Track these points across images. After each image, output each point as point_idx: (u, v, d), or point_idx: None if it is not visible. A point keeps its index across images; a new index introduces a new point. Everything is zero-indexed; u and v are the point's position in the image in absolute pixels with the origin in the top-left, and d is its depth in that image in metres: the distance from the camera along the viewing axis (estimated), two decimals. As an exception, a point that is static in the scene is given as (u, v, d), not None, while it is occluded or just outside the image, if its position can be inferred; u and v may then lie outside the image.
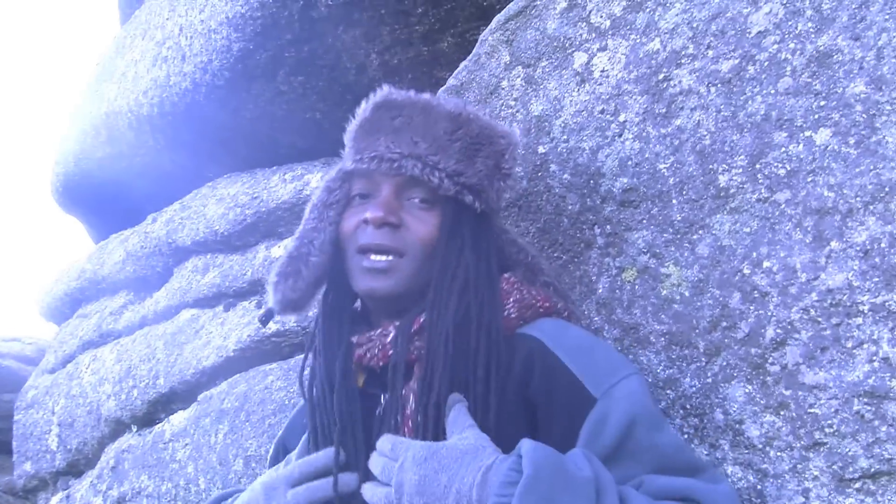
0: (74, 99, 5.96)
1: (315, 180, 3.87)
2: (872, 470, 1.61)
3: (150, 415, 4.36)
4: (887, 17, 1.66)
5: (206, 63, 4.05)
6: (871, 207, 1.65)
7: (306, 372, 1.92)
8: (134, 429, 4.49)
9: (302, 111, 4.15)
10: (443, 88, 2.64)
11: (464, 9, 3.39)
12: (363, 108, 1.92)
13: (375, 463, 1.56)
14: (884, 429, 1.60)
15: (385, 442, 1.57)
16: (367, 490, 1.56)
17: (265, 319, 2.01)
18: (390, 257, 1.75)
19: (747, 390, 1.81)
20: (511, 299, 1.79)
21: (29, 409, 5.74)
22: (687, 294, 1.94)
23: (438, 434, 1.61)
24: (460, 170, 1.79)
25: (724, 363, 1.86)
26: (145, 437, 4.24)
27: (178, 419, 4.01)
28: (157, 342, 4.42)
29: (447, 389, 1.64)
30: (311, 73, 3.89)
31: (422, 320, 1.75)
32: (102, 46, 5.96)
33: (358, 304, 2.00)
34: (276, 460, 2.04)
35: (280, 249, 3.82)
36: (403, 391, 1.73)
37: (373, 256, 1.76)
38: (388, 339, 1.77)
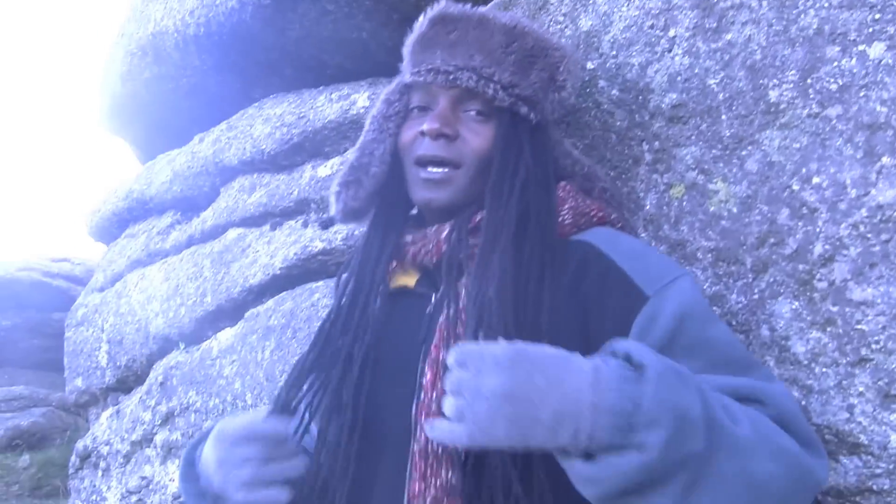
0: (120, 20, 5.94)
1: (362, 100, 3.85)
2: None
3: (198, 332, 4.40)
4: None
5: None
6: None
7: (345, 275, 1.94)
8: (182, 346, 4.53)
9: (348, 31, 4.10)
10: (491, 3, 2.60)
11: None
12: (420, 23, 1.94)
13: (447, 381, 1.40)
14: None
15: (454, 354, 1.39)
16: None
17: (326, 225, 2.04)
18: (446, 169, 1.78)
19: (794, 306, 1.80)
20: (566, 206, 1.81)
21: (79, 327, 5.80)
22: (735, 210, 1.92)
23: (491, 327, 1.58)
24: (515, 81, 1.80)
25: (772, 279, 1.85)
26: (193, 354, 4.29)
27: (226, 336, 4.05)
28: (205, 261, 4.45)
29: (503, 282, 1.63)
30: None
31: (478, 218, 1.77)
32: None
33: (415, 210, 2.03)
34: None
35: (327, 169, 3.83)
36: (458, 287, 1.73)
37: (430, 168, 1.79)
38: (444, 235, 1.79)
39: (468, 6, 1.92)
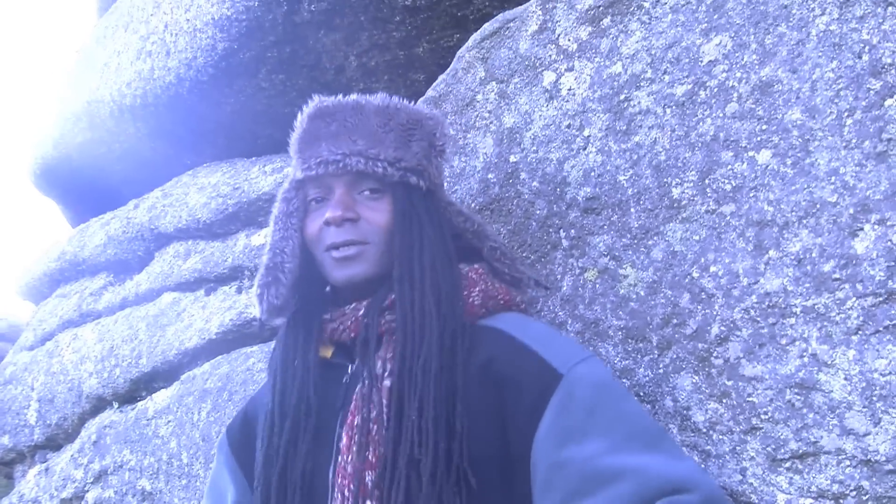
0: (54, 84, 6.00)
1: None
2: (800, 451, 1.76)
3: (132, 392, 4.44)
4: (820, 54, 1.82)
5: (191, 60, 4.14)
6: (805, 221, 1.80)
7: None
8: (115, 405, 4.55)
9: (281, 106, 4.23)
10: (421, 99, 2.76)
11: (439, 18, 3.50)
12: (300, 121, 2.04)
13: None
14: (811, 416, 1.75)
15: None
16: None
17: (261, 327, 2.19)
18: (356, 247, 1.88)
19: (694, 380, 1.96)
20: (477, 288, 1.91)
21: (7, 385, 5.78)
22: (642, 293, 2.09)
23: (423, 398, 1.71)
24: (399, 156, 1.93)
25: (674, 356, 2.01)
26: (127, 414, 4.31)
27: (161, 397, 4.08)
28: (140, 323, 4.49)
29: (428, 357, 1.75)
30: (291, 72, 4.00)
31: (392, 296, 1.87)
32: (82, 35, 6.02)
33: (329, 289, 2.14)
34: (242, 425, 2.17)
35: (260, 238, 3.92)
36: (374, 360, 1.83)
37: (340, 248, 1.89)
38: (361, 313, 1.90)
39: (340, 96, 2.03)
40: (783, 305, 1.83)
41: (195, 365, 4.02)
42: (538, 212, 2.37)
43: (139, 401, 4.37)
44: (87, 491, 4.41)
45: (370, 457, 1.73)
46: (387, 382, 1.80)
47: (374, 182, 1.93)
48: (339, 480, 1.74)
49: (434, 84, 2.76)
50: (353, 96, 2.03)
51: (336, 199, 1.92)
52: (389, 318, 1.87)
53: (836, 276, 1.76)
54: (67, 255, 5.62)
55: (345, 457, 1.76)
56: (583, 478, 1.56)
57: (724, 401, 1.91)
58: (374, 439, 1.74)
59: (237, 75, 4.09)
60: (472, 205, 2.53)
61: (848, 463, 1.71)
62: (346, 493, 1.73)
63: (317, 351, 1.99)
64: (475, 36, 2.65)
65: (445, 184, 2.25)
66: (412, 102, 2.08)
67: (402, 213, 1.92)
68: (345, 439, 1.78)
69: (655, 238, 2.09)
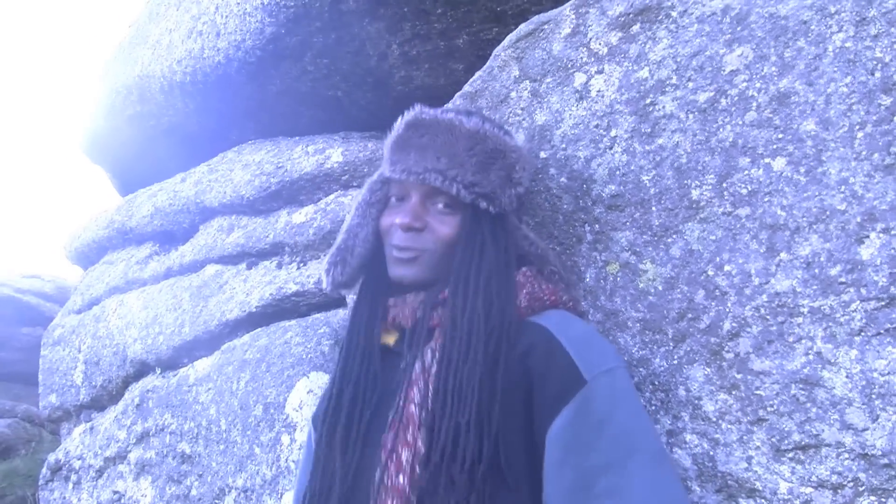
0: (106, 58, 6.05)
1: (336, 155, 4.04)
2: (803, 443, 1.85)
3: (175, 359, 4.52)
4: (836, 69, 1.90)
5: (240, 42, 4.21)
6: (815, 227, 1.88)
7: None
8: (158, 371, 4.65)
9: (325, 89, 4.33)
10: (458, 94, 2.83)
11: (479, 12, 3.56)
12: (397, 125, 2.16)
13: None
14: (814, 410, 1.84)
15: None
16: None
17: (325, 289, 2.33)
18: (416, 252, 2.01)
19: (706, 372, 2.06)
20: (524, 291, 2.01)
21: (55, 346, 5.89)
22: (660, 288, 2.18)
23: (455, 389, 1.83)
24: (476, 181, 2.01)
25: (688, 348, 2.10)
26: (169, 380, 4.39)
27: (202, 365, 4.16)
28: (184, 294, 4.58)
29: (475, 351, 1.85)
30: (336, 56, 4.05)
31: (446, 293, 1.99)
32: (134, 10, 6.10)
33: None
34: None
35: (301, 216, 4.00)
36: (421, 349, 1.96)
37: (402, 251, 2.02)
38: (416, 304, 2.04)
39: (439, 111, 2.13)
40: (792, 305, 1.92)
41: (235, 336, 4.10)
42: (565, 206, 2.44)
43: (181, 367, 4.44)
44: (130, 451, 4.49)
45: (409, 437, 1.84)
46: (433, 371, 1.91)
47: (448, 198, 2.04)
48: (383, 455, 1.85)
49: (471, 80, 2.81)
50: (451, 113, 2.13)
51: (409, 206, 2.05)
52: (442, 313, 1.99)
53: (842, 279, 1.84)
54: (115, 224, 5.71)
55: (389, 434, 1.87)
56: (575, 487, 1.71)
57: (734, 392, 2.00)
58: (414, 422, 1.85)
59: (283, 58, 4.16)
60: None
61: (847, 456, 1.80)
62: (387, 468, 1.83)
63: (379, 334, 2.12)
64: (511, 36, 2.71)
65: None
66: (500, 132, 2.16)
67: (467, 230, 2.03)
68: (392, 420, 1.89)
69: (674, 236, 2.17)
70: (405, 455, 1.82)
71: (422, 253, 2.03)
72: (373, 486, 1.83)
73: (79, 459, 5.08)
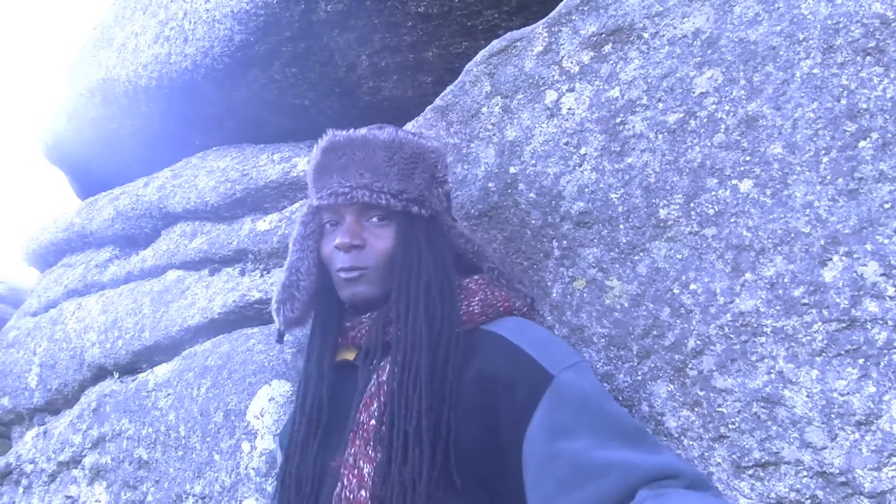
0: (69, 59, 6.02)
1: (302, 163, 4.02)
2: (763, 460, 1.88)
3: (134, 364, 4.49)
4: (803, 94, 1.93)
5: (208, 48, 4.20)
6: (779, 248, 1.91)
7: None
8: (116, 375, 4.61)
9: (292, 97, 4.32)
10: (430, 107, 2.85)
11: (449, 26, 3.57)
12: (314, 153, 2.22)
13: None
14: (774, 428, 1.86)
15: None
16: None
17: (279, 338, 2.37)
18: (361, 270, 2.07)
19: (669, 388, 2.08)
20: (476, 298, 2.07)
21: (9, 349, 5.82)
22: (626, 305, 2.20)
23: (400, 398, 1.89)
24: (402, 188, 2.09)
25: (653, 365, 2.13)
26: (128, 385, 4.35)
27: (162, 371, 4.13)
28: (144, 298, 4.54)
29: (422, 369, 1.90)
30: (304, 66, 4.05)
31: (392, 314, 2.04)
32: (98, 11, 6.06)
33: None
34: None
35: (265, 223, 3.98)
36: (378, 362, 2.02)
37: (348, 272, 2.07)
38: (371, 322, 2.09)
39: (352, 131, 2.19)
40: (755, 325, 1.95)
41: (197, 342, 4.08)
42: (533, 221, 2.47)
43: (140, 373, 4.41)
44: (85, 456, 4.45)
45: (368, 451, 1.88)
46: (385, 387, 1.96)
47: (380, 210, 2.10)
48: (344, 471, 1.90)
49: (442, 94, 2.83)
50: (363, 130, 2.19)
51: (346, 227, 2.10)
52: (393, 330, 2.02)
53: (805, 301, 1.87)
54: (75, 227, 5.66)
55: (349, 450, 1.92)
56: (573, 470, 1.68)
57: (696, 409, 2.03)
58: (372, 436, 1.90)
59: (251, 66, 4.15)
60: (472, 210, 2.62)
61: (805, 473, 1.82)
62: (347, 481, 1.88)
63: (333, 356, 2.18)
64: (483, 52, 2.73)
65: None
66: (415, 135, 2.22)
67: (404, 240, 2.09)
68: (350, 435, 1.94)
69: (641, 254, 2.19)
70: (366, 469, 1.87)
71: (366, 270, 2.08)
72: (333, 500, 1.89)
73: (31, 463, 5.01)
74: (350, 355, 2.18)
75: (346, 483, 1.88)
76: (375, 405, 1.94)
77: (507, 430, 1.82)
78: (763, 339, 1.93)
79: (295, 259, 2.24)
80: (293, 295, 2.24)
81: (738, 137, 2.05)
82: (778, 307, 1.92)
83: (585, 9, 2.45)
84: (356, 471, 1.87)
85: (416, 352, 1.93)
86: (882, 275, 1.78)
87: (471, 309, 2.05)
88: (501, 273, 2.20)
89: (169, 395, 3.94)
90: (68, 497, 4.49)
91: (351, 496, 1.85)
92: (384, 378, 1.97)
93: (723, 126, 2.09)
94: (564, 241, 2.39)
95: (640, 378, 2.16)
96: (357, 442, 1.91)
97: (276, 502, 2.12)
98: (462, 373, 1.93)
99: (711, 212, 2.07)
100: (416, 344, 1.95)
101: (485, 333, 2.00)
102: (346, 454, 1.92)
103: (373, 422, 1.91)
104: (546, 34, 2.54)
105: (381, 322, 2.06)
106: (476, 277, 2.16)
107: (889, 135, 1.81)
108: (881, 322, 1.77)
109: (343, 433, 2.00)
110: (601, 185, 2.32)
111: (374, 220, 2.11)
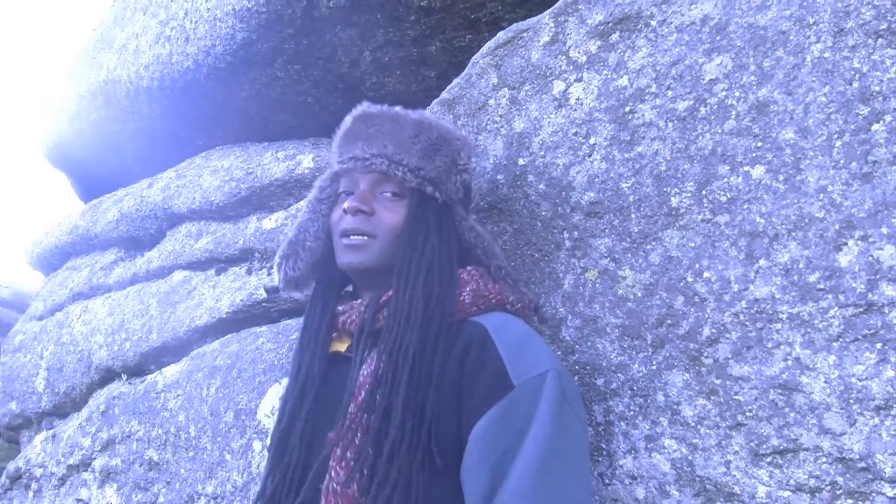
0: (69, 62, 6.02)
1: (306, 161, 4.03)
2: (781, 447, 1.86)
3: (142, 366, 4.50)
4: (814, 79, 1.91)
5: (210, 47, 4.20)
6: (793, 234, 1.90)
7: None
8: (124, 377, 4.62)
9: (295, 95, 4.32)
10: (436, 101, 2.85)
11: (453, 19, 3.57)
12: (345, 120, 2.24)
13: None
14: (792, 415, 1.85)
15: None
16: None
17: (270, 291, 2.37)
18: (364, 238, 2.06)
19: (685, 378, 2.06)
20: (468, 288, 2.06)
21: (16, 353, 5.84)
22: (639, 294, 2.19)
23: (387, 380, 1.89)
24: (421, 165, 2.10)
25: (667, 354, 2.11)
26: (136, 386, 4.36)
27: (171, 371, 4.14)
28: (151, 299, 4.55)
29: (413, 343, 1.91)
30: (307, 63, 4.06)
31: (389, 293, 2.04)
32: (99, 13, 6.05)
33: (350, 287, 2.32)
34: None
35: (271, 222, 3.99)
36: (369, 352, 2.01)
37: (350, 237, 2.07)
38: (363, 308, 2.08)
39: (385, 106, 2.22)
40: (770, 312, 1.93)
41: (205, 342, 4.09)
42: (543, 213, 2.46)
43: (148, 374, 4.42)
44: (95, 458, 4.46)
45: (356, 440, 1.88)
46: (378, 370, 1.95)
47: (395, 185, 2.10)
48: (333, 461, 1.90)
49: (448, 87, 2.83)
50: (397, 108, 2.21)
51: (358, 193, 2.10)
52: (385, 315, 2.02)
53: (821, 286, 1.85)
54: (80, 230, 5.67)
55: (340, 438, 1.90)
56: (486, 491, 1.74)
57: (713, 398, 2.01)
58: (361, 426, 1.89)
59: (254, 64, 4.15)
60: (482, 203, 2.61)
61: (824, 460, 1.81)
62: (334, 474, 1.89)
63: (328, 344, 2.16)
64: (489, 44, 2.72)
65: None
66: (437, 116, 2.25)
67: (413, 216, 2.09)
68: (340, 423, 1.92)
69: (654, 243, 2.18)
70: (353, 459, 1.86)
71: (371, 239, 2.07)
72: (321, 490, 1.89)
73: (40, 467, 5.03)
74: (342, 346, 2.16)
75: (333, 476, 1.88)
76: (363, 394, 1.93)
77: (464, 420, 1.85)
78: (779, 326, 1.91)
79: (305, 220, 2.26)
80: (297, 252, 2.26)
81: (749, 123, 2.03)
82: (793, 293, 1.90)
83: (591, -3, 2.43)
84: (343, 462, 1.87)
85: (410, 327, 1.94)
86: (899, 258, 1.76)
87: (462, 299, 2.05)
88: (508, 273, 2.19)
89: (178, 395, 3.94)
90: (79, 500, 4.50)
91: (339, 488, 1.85)
92: (374, 364, 1.97)
93: (733, 112, 2.06)
94: (575, 232, 2.37)
95: (654, 368, 2.15)
96: (345, 432, 1.90)
97: (260, 490, 2.11)
98: (447, 357, 1.93)
99: (724, 199, 2.05)
100: (410, 319, 1.95)
101: (472, 324, 1.99)
102: (334, 444, 1.91)
103: (360, 412, 1.90)
104: (552, 24, 2.53)
105: (373, 307, 2.05)
106: (470, 268, 2.15)
107: (902, 117, 1.80)
108: (899, 306, 1.76)
109: (332, 424, 1.98)
110: (611, 175, 2.30)
111: (388, 194, 2.12)
